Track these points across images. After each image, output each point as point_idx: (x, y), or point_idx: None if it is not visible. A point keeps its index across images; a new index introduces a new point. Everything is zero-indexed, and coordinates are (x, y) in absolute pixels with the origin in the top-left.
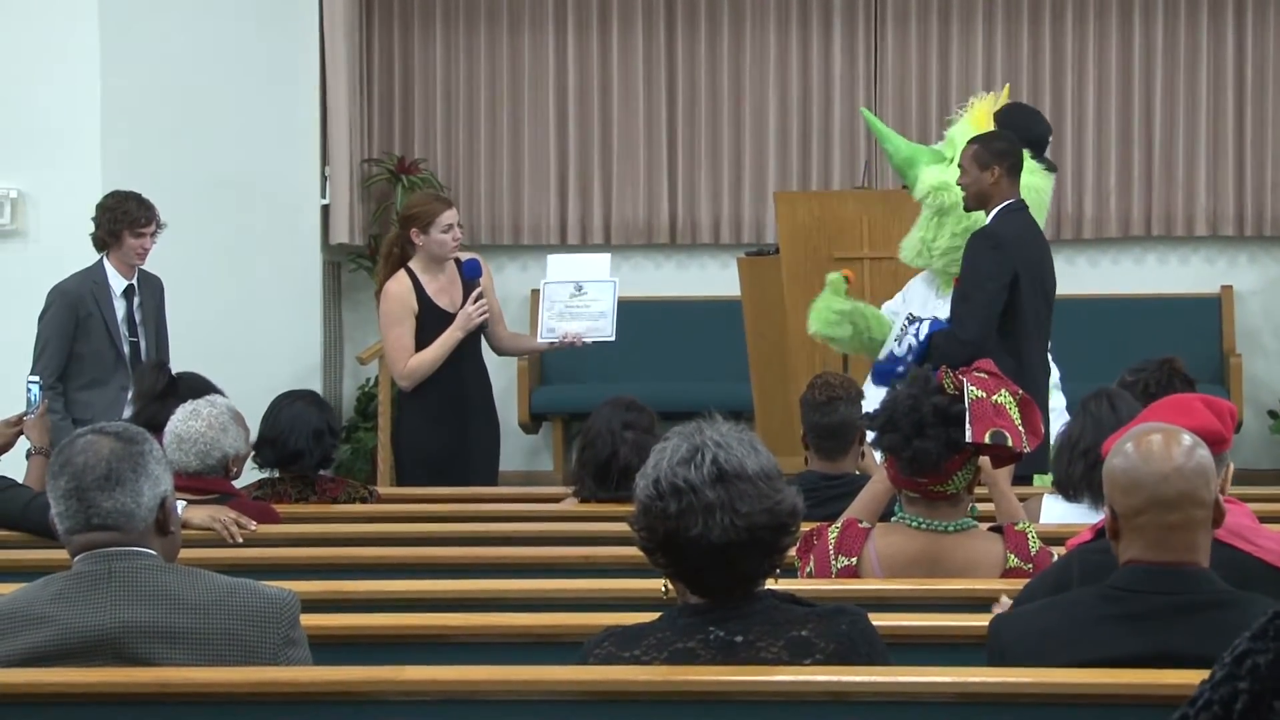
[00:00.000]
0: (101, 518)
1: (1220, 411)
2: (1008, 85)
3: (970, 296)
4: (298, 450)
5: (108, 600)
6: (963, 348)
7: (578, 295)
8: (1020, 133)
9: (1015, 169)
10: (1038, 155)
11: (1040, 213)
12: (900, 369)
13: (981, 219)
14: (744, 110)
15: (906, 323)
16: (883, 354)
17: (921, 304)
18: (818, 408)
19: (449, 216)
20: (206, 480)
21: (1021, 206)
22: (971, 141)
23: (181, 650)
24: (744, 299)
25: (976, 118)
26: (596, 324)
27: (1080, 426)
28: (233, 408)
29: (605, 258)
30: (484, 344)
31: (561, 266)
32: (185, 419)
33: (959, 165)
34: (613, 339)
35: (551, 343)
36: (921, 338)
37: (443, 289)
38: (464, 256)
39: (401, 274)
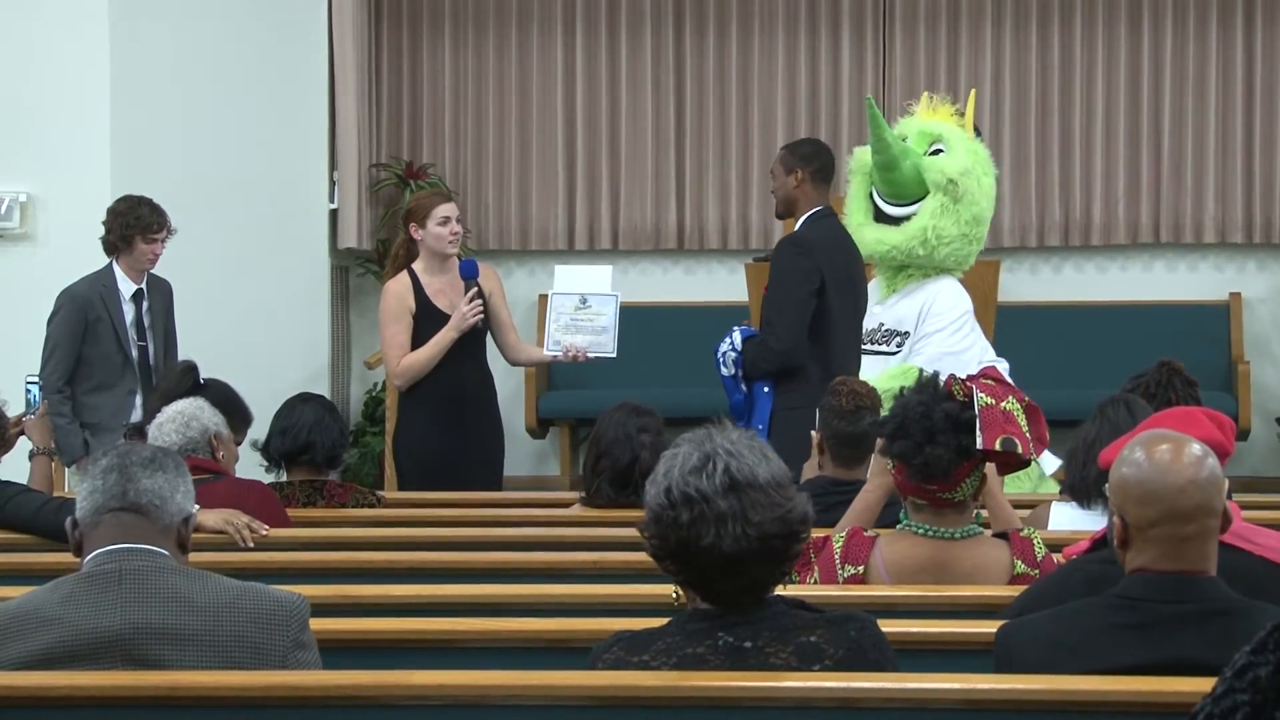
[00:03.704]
0: (138, 494)
1: (1223, 425)
2: (974, 91)
3: (781, 305)
4: (309, 442)
5: (118, 601)
6: (774, 356)
7: (582, 308)
8: None
9: (820, 174)
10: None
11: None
12: (739, 397)
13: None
14: (752, 115)
15: (723, 340)
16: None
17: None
18: (844, 415)
19: (445, 209)
20: (195, 460)
21: (829, 214)
22: (782, 148)
23: (191, 652)
24: (752, 305)
25: (938, 115)
26: (599, 339)
27: (1096, 430)
28: (207, 404)
29: (607, 270)
30: (490, 348)
31: (567, 277)
32: (164, 411)
33: (770, 172)
34: (613, 356)
35: (555, 355)
36: (738, 347)
37: (442, 290)
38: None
39: (403, 274)
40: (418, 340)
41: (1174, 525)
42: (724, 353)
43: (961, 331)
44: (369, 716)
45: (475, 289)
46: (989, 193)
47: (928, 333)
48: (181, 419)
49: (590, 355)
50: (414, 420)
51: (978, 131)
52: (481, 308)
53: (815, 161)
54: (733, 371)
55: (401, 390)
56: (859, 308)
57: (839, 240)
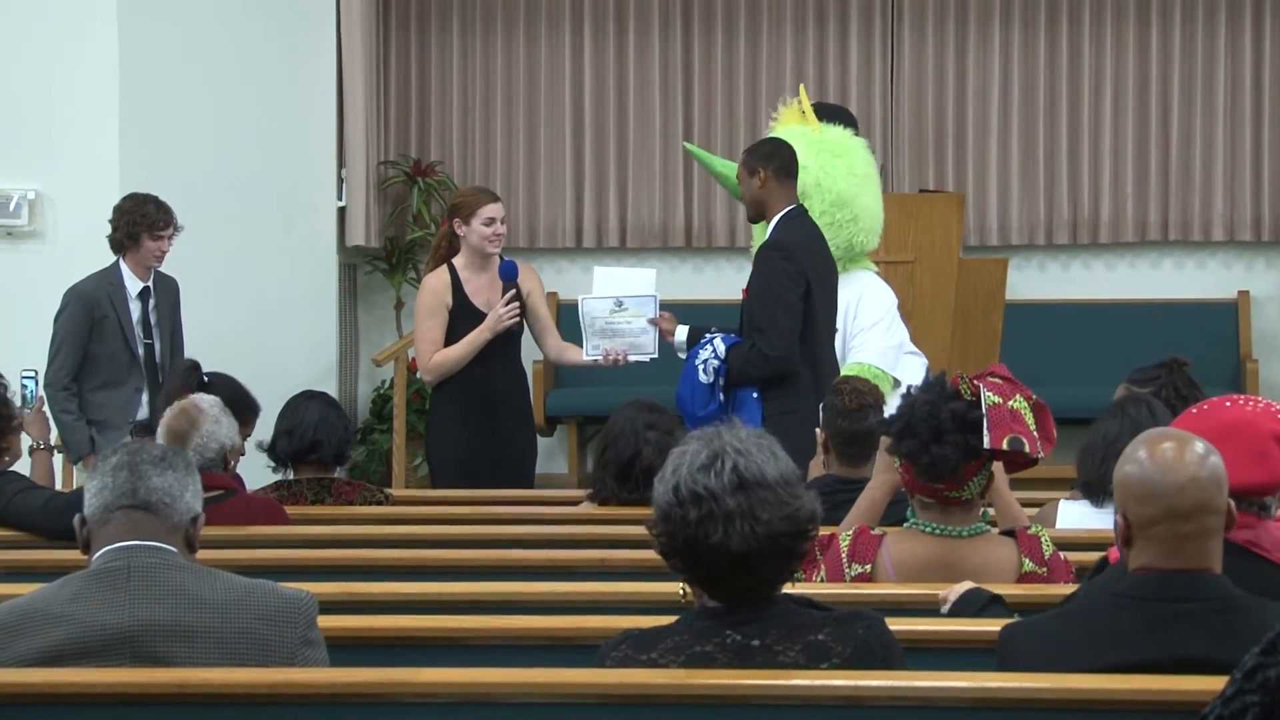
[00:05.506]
0: (148, 491)
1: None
2: (802, 86)
3: (771, 311)
4: (315, 441)
5: (126, 598)
6: (768, 363)
7: (618, 311)
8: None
9: (784, 171)
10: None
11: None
12: (715, 406)
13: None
14: (760, 113)
15: (701, 347)
16: (686, 387)
17: None
18: (847, 415)
19: (491, 209)
20: (210, 476)
21: (800, 212)
22: (743, 152)
23: (199, 649)
24: None
25: (786, 122)
26: (638, 340)
27: (1116, 428)
28: (219, 401)
29: (651, 273)
30: (523, 348)
31: (606, 280)
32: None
33: (735, 177)
34: (655, 356)
35: (596, 360)
36: (721, 355)
37: (481, 289)
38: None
39: (443, 268)
40: (451, 337)
41: (1174, 523)
42: (704, 360)
43: (895, 325)
44: (376, 714)
45: (513, 291)
46: (850, 172)
47: (864, 327)
48: (200, 439)
49: (631, 358)
50: (445, 418)
51: (848, 121)
52: (518, 310)
53: (775, 159)
54: (711, 379)
55: (430, 385)
56: (835, 306)
57: (816, 240)
